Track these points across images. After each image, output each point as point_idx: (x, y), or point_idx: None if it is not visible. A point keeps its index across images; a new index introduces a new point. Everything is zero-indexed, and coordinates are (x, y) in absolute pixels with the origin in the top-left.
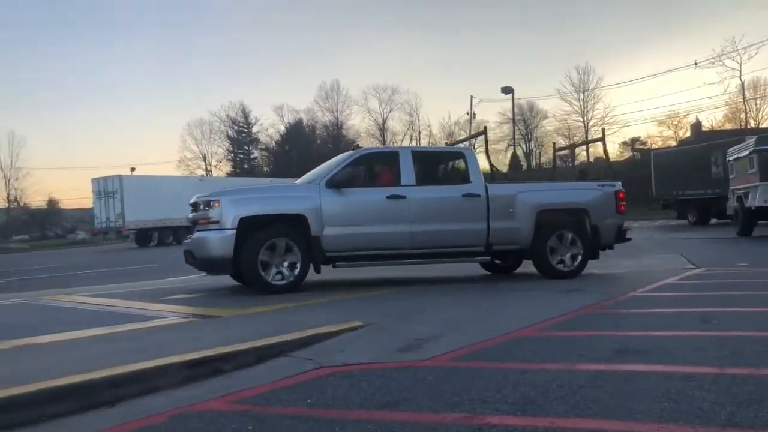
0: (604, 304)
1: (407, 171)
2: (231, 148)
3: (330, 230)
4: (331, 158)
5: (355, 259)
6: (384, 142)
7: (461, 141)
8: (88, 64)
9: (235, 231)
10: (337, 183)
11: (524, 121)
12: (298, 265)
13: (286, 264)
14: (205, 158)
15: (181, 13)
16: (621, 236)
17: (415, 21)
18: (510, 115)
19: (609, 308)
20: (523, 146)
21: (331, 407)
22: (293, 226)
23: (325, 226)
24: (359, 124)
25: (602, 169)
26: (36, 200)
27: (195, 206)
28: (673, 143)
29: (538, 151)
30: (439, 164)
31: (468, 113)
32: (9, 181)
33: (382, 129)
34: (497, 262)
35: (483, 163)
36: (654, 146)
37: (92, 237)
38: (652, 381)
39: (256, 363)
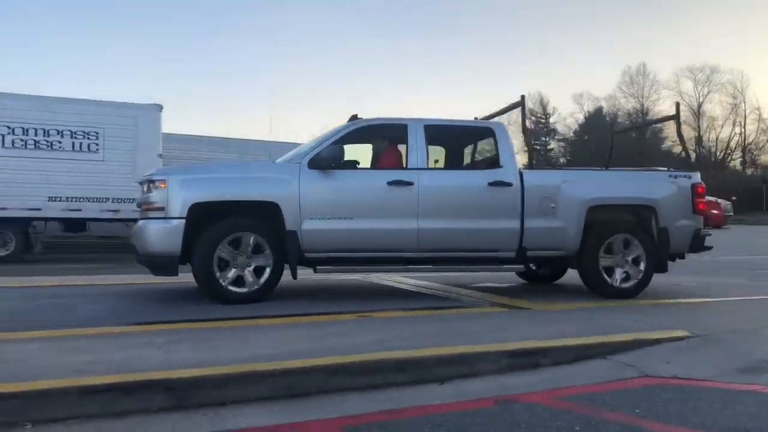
0: None
1: (418, 150)
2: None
3: (311, 224)
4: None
5: (341, 262)
6: (699, 128)
7: (495, 115)
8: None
9: (183, 221)
10: (322, 162)
11: None
12: (268, 269)
13: (251, 267)
14: None
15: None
16: (698, 243)
17: None
18: None
19: None
20: None
21: (665, 422)
22: (262, 217)
23: (305, 219)
24: (668, 110)
25: None
26: None
27: (141, 186)
28: None
29: None
30: (461, 143)
31: None
32: None
33: (697, 114)
34: (538, 270)
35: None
36: None
37: None
38: None
39: (572, 361)
